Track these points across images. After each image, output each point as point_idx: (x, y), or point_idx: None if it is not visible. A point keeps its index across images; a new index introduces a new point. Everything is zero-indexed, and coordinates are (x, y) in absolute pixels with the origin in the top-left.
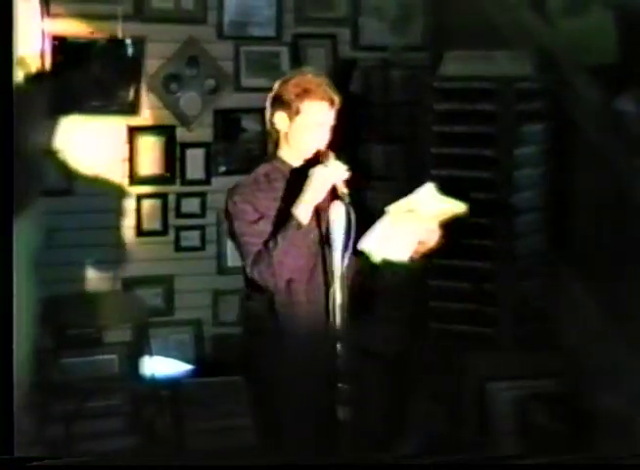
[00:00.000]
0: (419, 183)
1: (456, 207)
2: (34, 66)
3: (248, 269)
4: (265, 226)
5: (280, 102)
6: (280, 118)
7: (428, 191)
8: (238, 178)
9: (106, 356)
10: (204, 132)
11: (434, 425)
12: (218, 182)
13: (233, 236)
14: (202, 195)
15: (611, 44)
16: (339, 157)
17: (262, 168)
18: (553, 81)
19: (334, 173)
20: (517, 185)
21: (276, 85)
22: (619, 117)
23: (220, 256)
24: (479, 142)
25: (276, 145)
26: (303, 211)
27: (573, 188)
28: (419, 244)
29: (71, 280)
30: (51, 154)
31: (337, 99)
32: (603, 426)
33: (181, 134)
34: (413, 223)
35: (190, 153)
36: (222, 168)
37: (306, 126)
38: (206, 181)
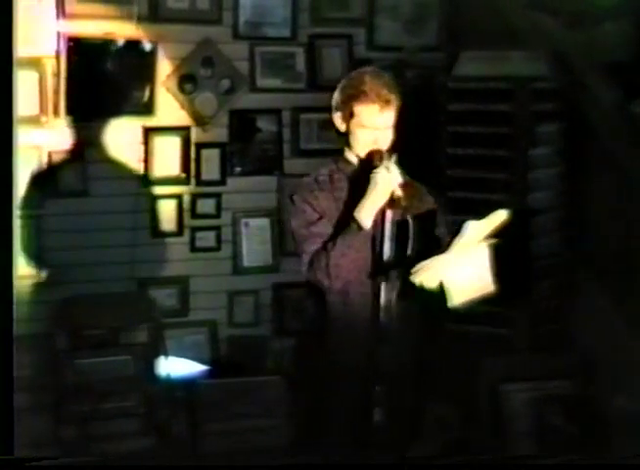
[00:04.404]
0: (434, 184)
1: (498, 218)
2: (50, 66)
3: (303, 268)
4: (324, 227)
5: (338, 103)
6: (338, 120)
7: (473, 227)
8: (253, 179)
9: (121, 357)
10: (219, 133)
11: (450, 426)
12: (234, 183)
13: (292, 234)
14: (217, 195)
15: (627, 46)
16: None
17: (326, 168)
18: (568, 82)
19: (394, 177)
20: (531, 186)
21: (338, 85)
22: (635, 119)
23: (236, 256)
24: (493, 142)
25: (342, 145)
26: (365, 214)
27: (588, 188)
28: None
29: (87, 281)
30: (66, 155)
31: (393, 99)
32: (618, 427)
33: (196, 135)
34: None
35: (205, 153)
36: (237, 169)
37: (360, 129)
38: (222, 182)
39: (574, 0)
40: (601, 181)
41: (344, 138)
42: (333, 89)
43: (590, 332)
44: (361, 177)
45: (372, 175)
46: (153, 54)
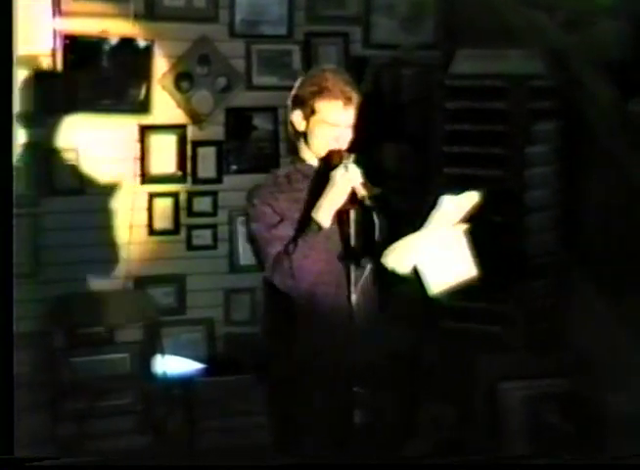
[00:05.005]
0: (430, 182)
1: (471, 199)
2: (45, 64)
3: (267, 273)
4: (285, 230)
5: (298, 101)
6: (297, 118)
7: (447, 203)
8: (249, 177)
9: (118, 355)
10: (215, 131)
11: (445, 425)
12: (230, 181)
13: (252, 239)
14: (213, 193)
15: (625, 43)
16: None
17: (283, 170)
18: (565, 80)
19: (353, 176)
20: (528, 183)
21: (296, 83)
22: (633, 118)
23: (232, 254)
24: (490, 140)
25: (298, 145)
26: (323, 214)
27: (585, 187)
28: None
29: (83, 279)
30: (63, 153)
31: (355, 97)
32: (614, 426)
33: (193, 133)
34: (453, 239)
35: (201, 151)
36: (234, 167)
37: (321, 126)
38: (218, 180)
39: None
40: (598, 179)
41: (303, 137)
42: None
43: (586, 331)
44: (321, 177)
45: (331, 174)
46: (149, 52)
